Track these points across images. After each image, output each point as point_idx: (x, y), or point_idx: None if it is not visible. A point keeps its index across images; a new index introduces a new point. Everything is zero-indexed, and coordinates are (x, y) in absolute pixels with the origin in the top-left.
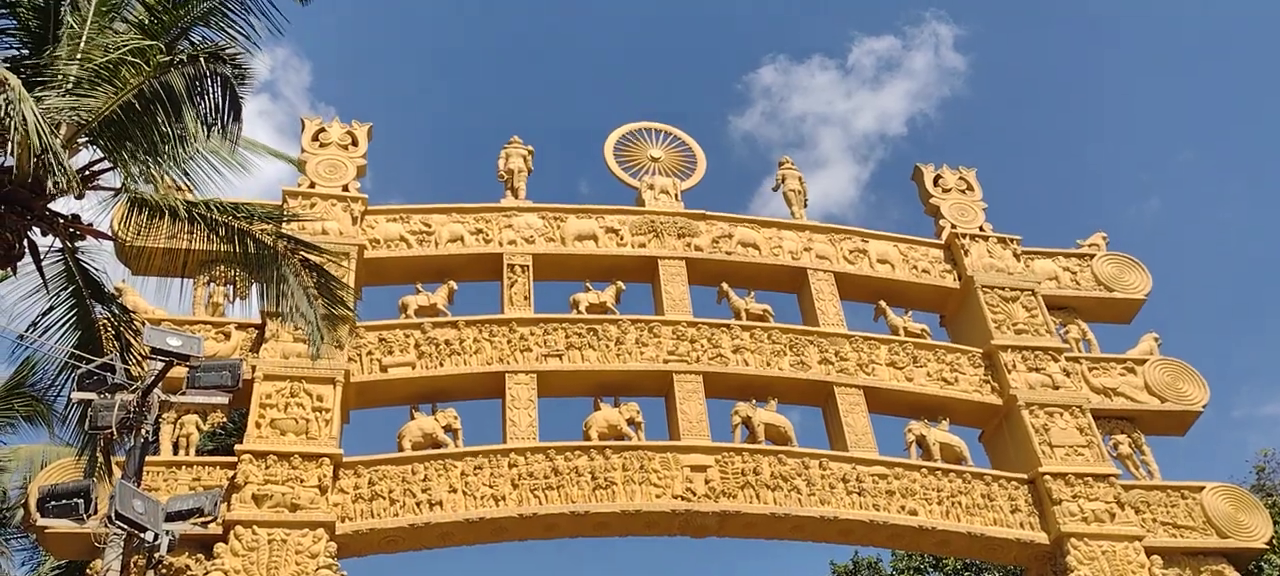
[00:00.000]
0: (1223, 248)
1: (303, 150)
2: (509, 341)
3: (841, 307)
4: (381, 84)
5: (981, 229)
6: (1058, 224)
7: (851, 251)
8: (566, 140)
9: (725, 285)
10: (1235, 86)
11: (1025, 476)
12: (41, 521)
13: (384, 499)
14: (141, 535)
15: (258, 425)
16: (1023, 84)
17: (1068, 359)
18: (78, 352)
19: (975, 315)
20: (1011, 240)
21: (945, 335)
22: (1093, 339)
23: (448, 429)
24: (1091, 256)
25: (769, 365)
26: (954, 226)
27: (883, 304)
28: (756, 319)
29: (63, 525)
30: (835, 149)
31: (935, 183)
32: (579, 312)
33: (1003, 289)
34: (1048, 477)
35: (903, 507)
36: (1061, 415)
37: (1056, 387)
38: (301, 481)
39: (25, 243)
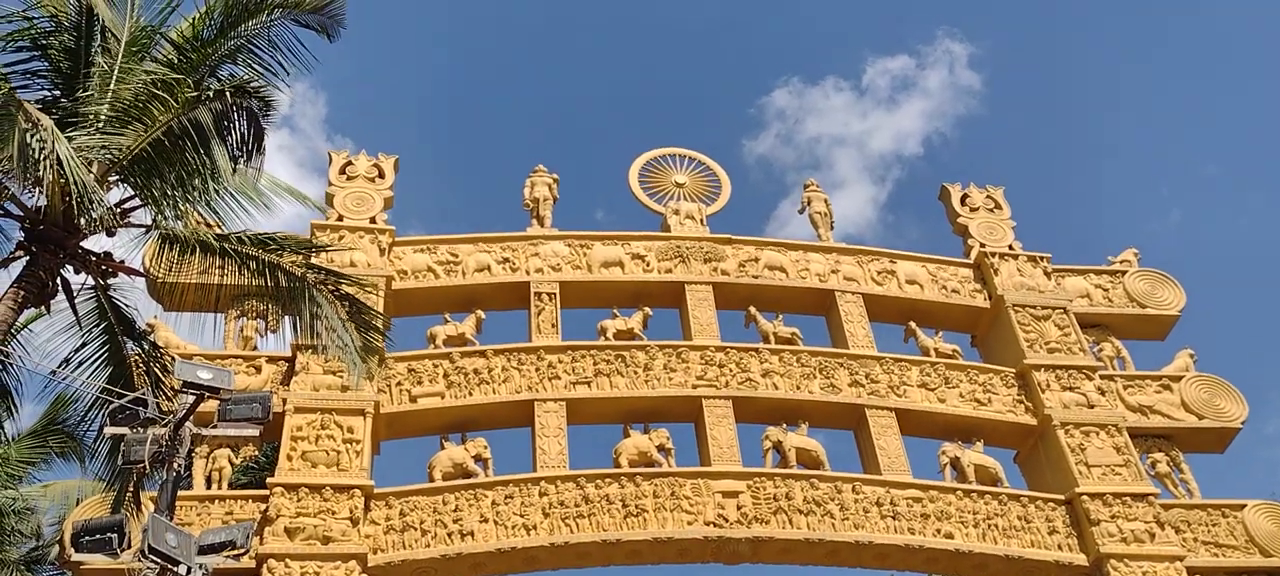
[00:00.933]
0: (1248, 259)
1: (330, 183)
2: (537, 370)
3: (871, 329)
4: (397, 116)
5: (1011, 247)
6: (1076, 239)
7: (880, 272)
8: (583, 168)
9: (753, 309)
10: (1255, 97)
11: (1062, 497)
12: (76, 557)
13: (415, 530)
14: (175, 568)
15: (289, 458)
16: (1037, 100)
17: (1102, 377)
18: (110, 388)
19: (1007, 334)
20: (1041, 258)
21: (977, 355)
22: (1127, 356)
23: (478, 458)
24: (1123, 273)
25: (799, 388)
26: (983, 245)
27: (913, 325)
28: (785, 342)
29: (97, 560)
30: (851, 170)
31: (963, 202)
32: (607, 339)
33: (1034, 308)
34: (1085, 498)
35: (939, 531)
36: (1097, 434)
37: (1092, 406)
38: (333, 513)
39: (58, 280)
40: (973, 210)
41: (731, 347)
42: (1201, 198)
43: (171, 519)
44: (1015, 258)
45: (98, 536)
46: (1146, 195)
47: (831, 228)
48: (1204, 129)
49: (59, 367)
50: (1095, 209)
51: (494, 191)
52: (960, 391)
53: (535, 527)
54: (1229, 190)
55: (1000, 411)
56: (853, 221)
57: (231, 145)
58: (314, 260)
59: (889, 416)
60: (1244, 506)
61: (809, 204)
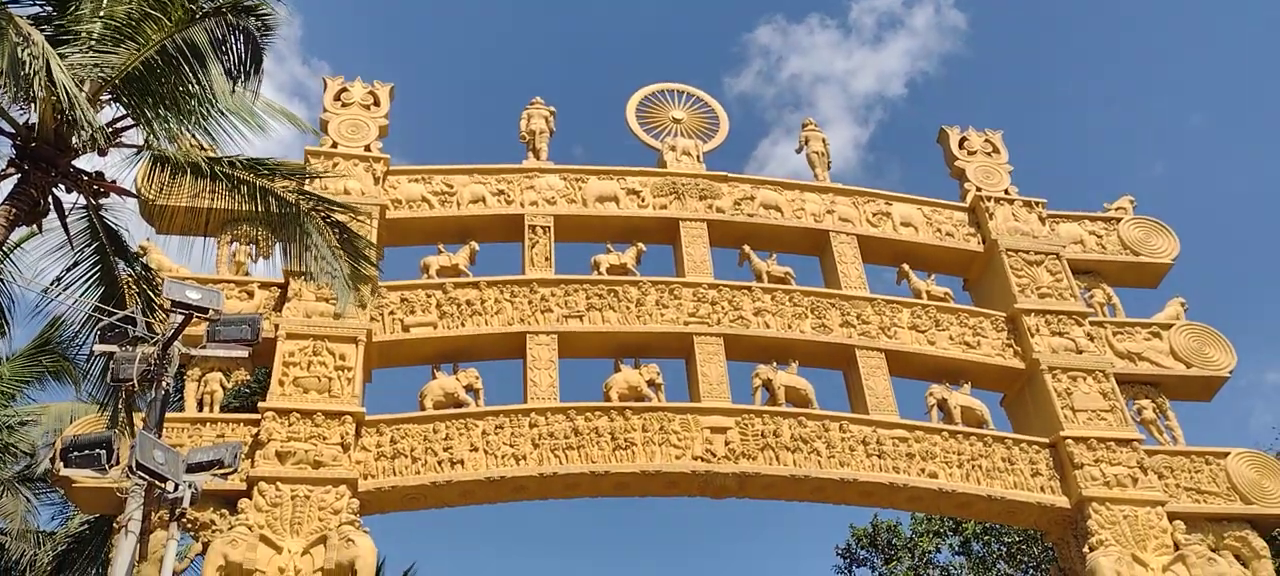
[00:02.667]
0: (1240, 211)
1: (324, 110)
2: (530, 302)
3: (864, 270)
4: (379, 40)
5: (1007, 192)
6: (1061, 184)
7: (875, 214)
8: (576, 102)
9: (747, 247)
10: (1246, 48)
11: (1047, 440)
12: (64, 471)
13: (406, 457)
14: (162, 485)
15: (281, 383)
16: (1022, 41)
17: (1092, 323)
18: (100, 306)
19: (999, 278)
20: (1037, 203)
21: (969, 299)
22: (1118, 303)
23: (469, 388)
24: (1118, 220)
25: (790, 328)
26: (979, 189)
27: (906, 267)
28: (778, 281)
29: (85, 475)
30: (834, 110)
31: (961, 145)
32: (600, 274)
33: (1027, 252)
34: (1070, 442)
35: (923, 470)
36: (1084, 379)
37: (1080, 352)
38: (324, 439)
39: (50, 199)
40: (970, 153)
41: (724, 285)
42: (1191, 149)
43: (160, 437)
44: (1011, 202)
45: (86, 452)
46: (1134, 143)
47: (829, 168)
48: (1191, 77)
49: (51, 286)
50: (1080, 154)
51: (485, 124)
52: (950, 334)
53: (525, 458)
54: (1220, 143)
55: (989, 354)
56: (833, 162)
57: (228, 66)
58: (307, 187)
59: (878, 357)
60: (1228, 454)
61: (806, 143)
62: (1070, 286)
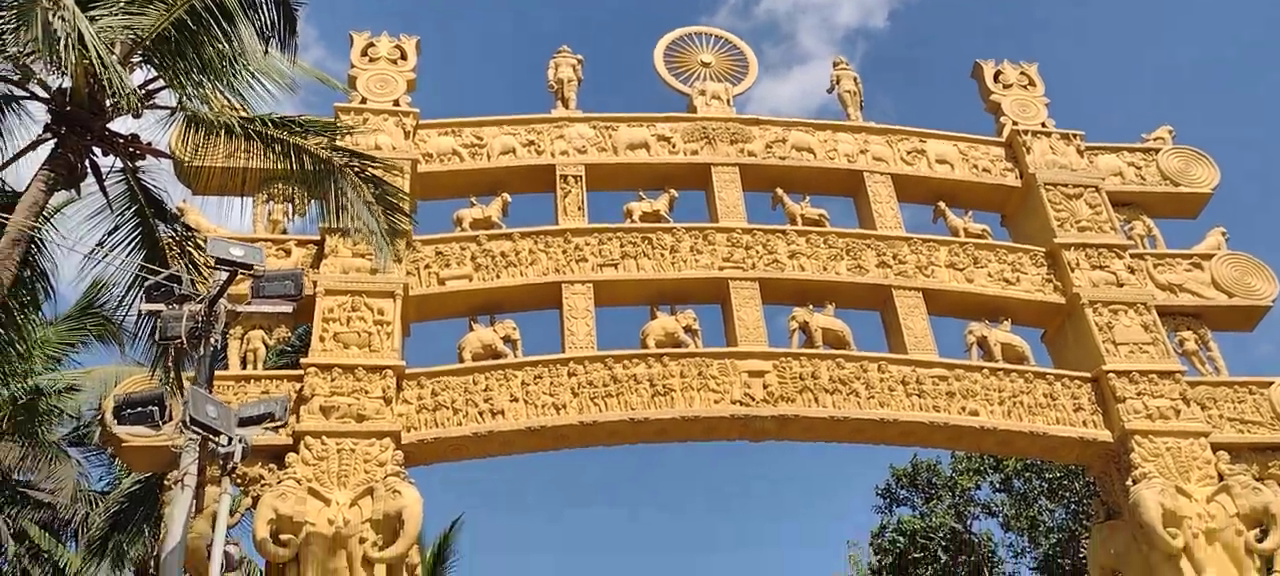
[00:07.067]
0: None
1: (351, 65)
2: (564, 252)
3: (899, 210)
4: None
5: (1043, 125)
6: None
7: (909, 152)
8: (603, 50)
9: (780, 190)
10: None
11: (1088, 375)
12: (118, 429)
13: (447, 409)
14: (215, 439)
15: (322, 339)
16: None
17: (1132, 256)
18: (146, 265)
19: (1038, 213)
20: (1074, 136)
21: (1006, 235)
22: (1158, 235)
23: (506, 340)
24: (1157, 151)
25: (826, 270)
26: (1015, 123)
27: (942, 205)
28: (812, 224)
29: (139, 433)
30: (815, 43)
31: (996, 78)
32: (633, 222)
33: (1066, 186)
34: (1112, 375)
35: (963, 408)
36: (1126, 312)
37: (1121, 285)
38: (366, 393)
39: (87, 163)
40: (1006, 87)
41: (758, 229)
42: (1224, 74)
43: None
44: (1048, 136)
45: (139, 408)
46: (1115, 72)
47: (861, 107)
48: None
49: (93, 249)
50: (1069, 87)
51: (512, 75)
52: (989, 271)
53: (565, 407)
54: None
55: (1028, 290)
56: (813, 96)
57: (261, 27)
58: (338, 143)
59: (916, 297)
60: (1271, 383)
61: (837, 82)
62: (1110, 219)
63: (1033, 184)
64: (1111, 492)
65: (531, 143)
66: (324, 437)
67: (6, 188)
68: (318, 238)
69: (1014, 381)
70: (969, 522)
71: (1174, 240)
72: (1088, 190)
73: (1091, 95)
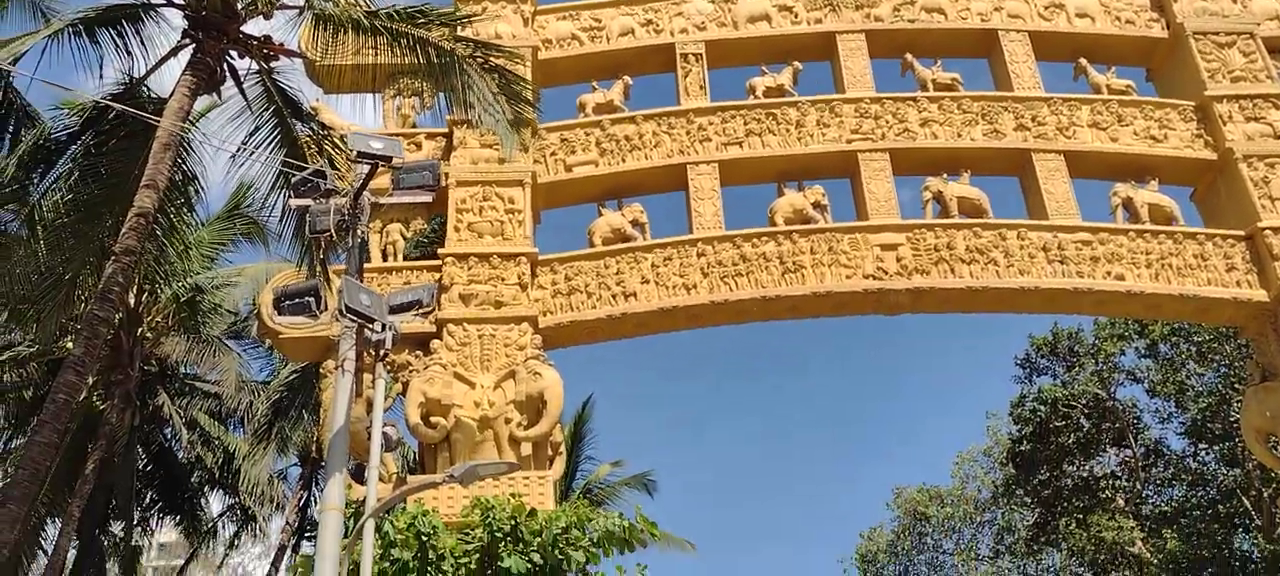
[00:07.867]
0: None
1: None
2: (688, 133)
3: (1037, 69)
4: None
5: None
6: None
7: (1047, 7)
8: None
9: (909, 56)
10: None
11: (1243, 233)
12: (277, 320)
13: (581, 293)
14: (370, 325)
15: (457, 229)
16: None
17: None
18: (290, 161)
19: (1186, 65)
20: None
21: (1152, 90)
22: None
23: (635, 223)
24: None
25: (960, 137)
26: None
27: (1083, 61)
28: (944, 89)
29: (297, 324)
30: None
31: None
32: (756, 98)
33: (1217, 34)
34: (1268, 232)
35: (1109, 273)
36: None
37: (1278, 137)
38: (503, 280)
39: (225, 67)
40: None
41: (887, 98)
42: None
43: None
44: None
45: (296, 300)
46: None
47: None
48: None
49: (238, 150)
50: None
51: None
52: (1134, 129)
53: (695, 287)
54: None
55: (1177, 147)
56: None
57: None
58: (460, 33)
59: (1057, 159)
60: None
61: None
62: (1266, 66)
63: (1180, 34)
64: (1268, 353)
65: (650, 22)
66: (465, 324)
67: (152, 95)
68: (446, 130)
69: (1162, 243)
70: (1113, 389)
71: None
72: (1241, 37)
73: None
